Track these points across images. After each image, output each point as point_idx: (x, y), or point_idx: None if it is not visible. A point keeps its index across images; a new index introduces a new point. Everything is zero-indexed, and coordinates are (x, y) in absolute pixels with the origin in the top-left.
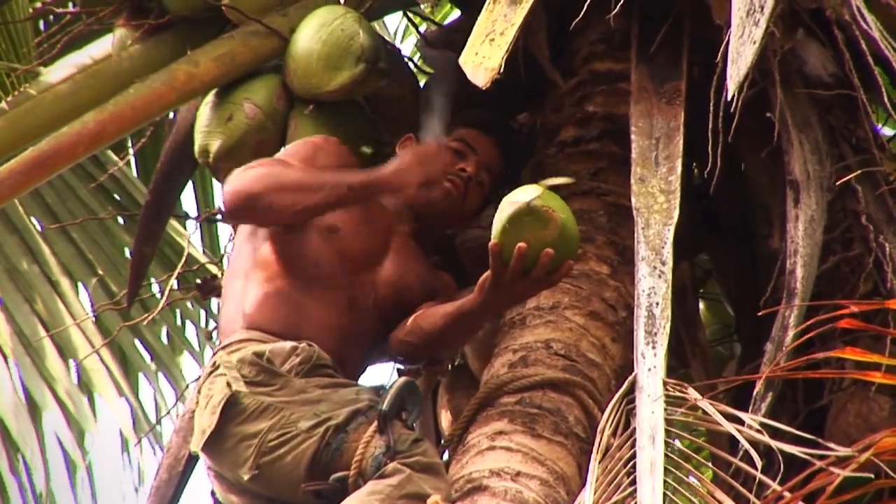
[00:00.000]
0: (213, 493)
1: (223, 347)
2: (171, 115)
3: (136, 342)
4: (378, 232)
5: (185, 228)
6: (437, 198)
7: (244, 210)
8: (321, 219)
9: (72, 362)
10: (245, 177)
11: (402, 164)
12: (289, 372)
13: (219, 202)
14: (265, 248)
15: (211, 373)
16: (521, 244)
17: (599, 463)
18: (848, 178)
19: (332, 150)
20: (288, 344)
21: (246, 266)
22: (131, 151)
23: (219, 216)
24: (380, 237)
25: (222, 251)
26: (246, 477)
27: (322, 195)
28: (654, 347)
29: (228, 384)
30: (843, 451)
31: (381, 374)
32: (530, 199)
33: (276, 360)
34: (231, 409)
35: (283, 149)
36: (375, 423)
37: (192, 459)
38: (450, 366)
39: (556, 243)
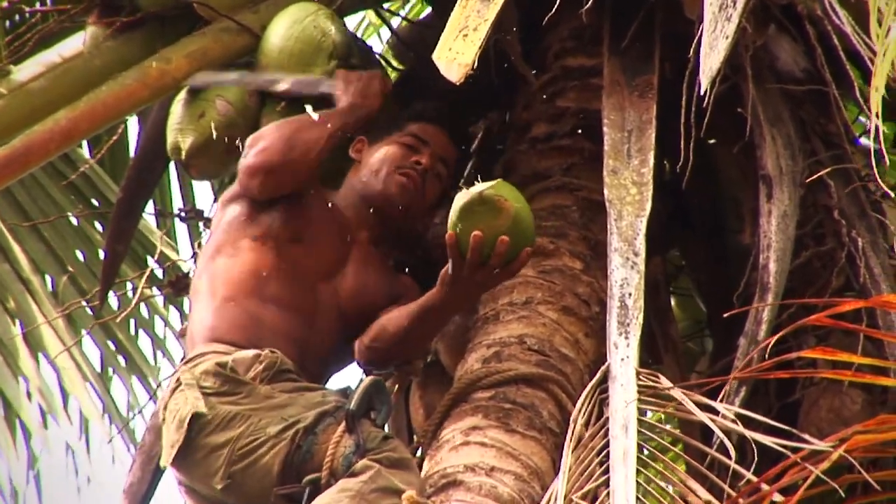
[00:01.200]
0: None
1: (186, 362)
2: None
3: (108, 341)
4: (337, 242)
5: (158, 226)
6: (394, 194)
7: (282, 160)
8: (281, 230)
9: (42, 360)
10: (258, 141)
11: (349, 89)
12: (253, 379)
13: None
14: (224, 263)
15: (175, 388)
16: (476, 233)
17: (572, 452)
18: (820, 174)
19: None
20: (250, 352)
21: (207, 283)
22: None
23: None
24: (339, 247)
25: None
26: (219, 487)
27: (333, 122)
28: (626, 337)
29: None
30: (819, 444)
31: (349, 378)
32: (482, 189)
33: (239, 368)
34: (198, 422)
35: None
36: (344, 424)
37: None
38: (422, 364)
39: (510, 231)
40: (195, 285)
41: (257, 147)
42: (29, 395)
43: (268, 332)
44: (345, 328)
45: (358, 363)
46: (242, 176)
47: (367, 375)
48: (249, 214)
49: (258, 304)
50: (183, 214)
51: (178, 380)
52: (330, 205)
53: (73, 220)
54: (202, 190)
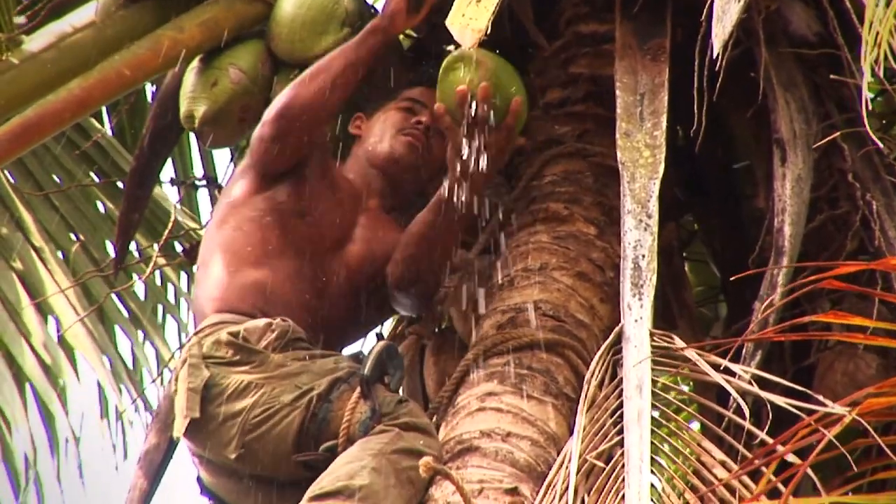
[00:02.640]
0: (199, 480)
1: (196, 333)
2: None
3: (121, 307)
4: (345, 213)
5: (175, 194)
6: (402, 154)
7: (291, 119)
8: (287, 205)
9: (52, 322)
10: (272, 105)
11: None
12: (265, 348)
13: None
14: (231, 236)
15: (186, 360)
16: (460, 87)
17: (586, 413)
18: (833, 136)
19: None
20: (262, 321)
21: (214, 253)
22: (106, 120)
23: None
24: (347, 217)
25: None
26: (232, 456)
27: (340, 62)
28: (640, 299)
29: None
30: (832, 406)
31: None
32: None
33: (251, 337)
34: (211, 391)
35: None
36: (358, 390)
37: None
38: (436, 328)
39: (492, 81)
40: (202, 257)
41: (266, 116)
42: (42, 362)
43: (279, 301)
44: (356, 295)
45: (394, 291)
46: (254, 149)
47: (378, 338)
48: (256, 189)
49: (267, 276)
50: (197, 182)
51: (189, 350)
52: (338, 177)
53: (87, 191)
54: (222, 158)
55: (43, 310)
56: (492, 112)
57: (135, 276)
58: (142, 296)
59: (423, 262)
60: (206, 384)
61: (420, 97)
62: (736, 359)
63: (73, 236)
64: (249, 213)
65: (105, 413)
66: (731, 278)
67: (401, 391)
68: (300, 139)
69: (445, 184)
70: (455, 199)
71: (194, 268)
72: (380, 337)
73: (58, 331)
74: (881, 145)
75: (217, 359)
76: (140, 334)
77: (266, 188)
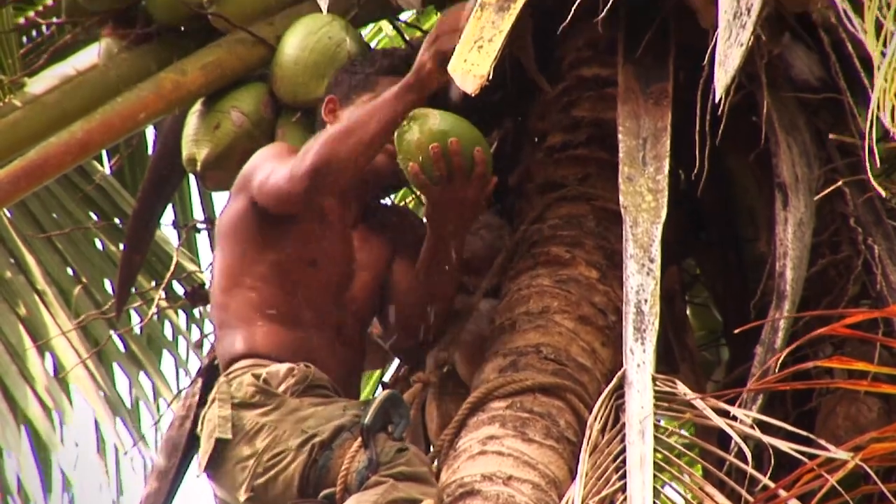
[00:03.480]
0: None
1: (226, 374)
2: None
3: (122, 349)
4: (343, 243)
5: (175, 237)
6: (385, 163)
7: (327, 174)
8: (303, 254)
9: (49, 360)
10: (299, 160)
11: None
12: (284, 392)
13: (272, 199)
14: (248, 295)
15: (214, 399)
16: (432, 145)
17: (589, 458)
18: (837, 185)
19: (295, 149)
20: (285, 365)
21: (236, 314)
22: (106, 162)
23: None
24: (346, 248)
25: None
26: (242, 499)
27: (376, 123)
28: (642, 343)
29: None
30: (835, 451)
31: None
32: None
33: (272, 381)
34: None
35: (262, 154)
36: (360, 438)
37: (182, 468)
38: (439, 371)
39: (452, 131)
40: (221, 313)
41: (296, 169)
42: (42, 403)
43: (317, 349)
44: (364, 327)
45: (395, 353)
46: (273, 198)
47: (383, 386)
48: (260, 242)
49: (298, 329)
50: (199, 226)
51: (217, 390)
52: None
53: (89, 233)
54: (222, 200)
55: (43, 350)
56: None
57: (135, 318)
58: (143, 337)
59: (419, 319)
60: (223, 426)
61: None
62: (738, 403)
63: (71, 274)
64: (263, 270)
65: (102, 451)
66: (733, 324)
67: (404, 438)
68: (328, 194)
69: (427, 238)
70: (440, 253)
71: (195, 310)
72: (384, 385)
73: (55, 371)
74: (882, 192)
75: (236, 400)
76: (140, 374)
77: (272, 237)
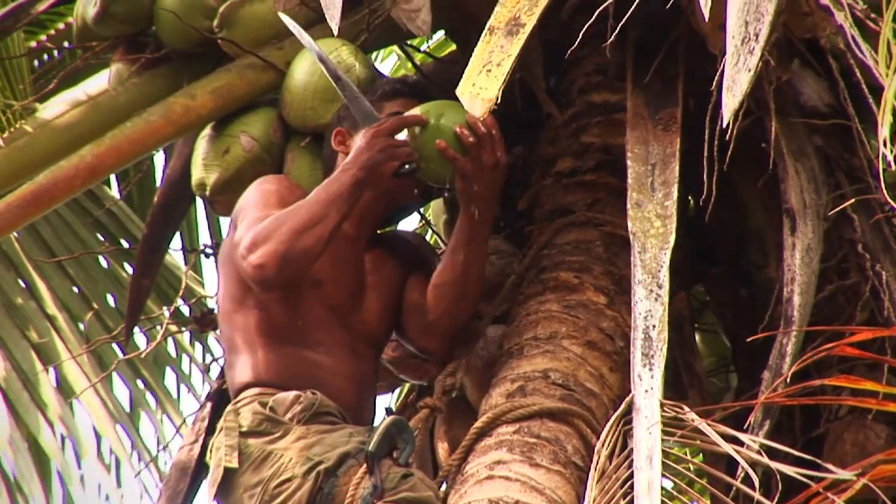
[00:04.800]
0: None
1: (234, 402)
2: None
3: (135, 378)
4: (352, 265)
5: (185, 262)
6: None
7: (283, 271)
8: (306, 276)
9: (70, 397)
10: (261, 244)
11: (361, 152)
12: (290, 420)
13: (248, 273)
14: (256, 316)
15: (221, 429)
16: (456, 125)
17: (597, 484)
18: (843, 206)
19: (289, 184)
20: (292, 393)
21: (243, 337)
22: (115, 186)
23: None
24: (355, 269)
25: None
26: None
27: (333, 213)
28: (650, 369)
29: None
30: (842, 473)
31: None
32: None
33: (279, 408)
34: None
35: (251, 194)
36: (365, 465)
37: (191, 493)
38: (447, 396)
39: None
40: (229, 338)
41: (254, 257)
42: (53, 430)
43: (326, 373)
44: (378, 350)
45: (429, 355)
46: (245, 271)
47: (387, 413)
48: None
49: (306, 351)
50: (208, 250)
51: (225, 419)
52: None
53: (99, 257)
54: None
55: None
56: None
57: (144, 342)
58: (152, 360)
59: (459, 312)
60: (231, 453)
61: (403, 110)
62: (746, 429)
63: (81, 299)
64: (266, 294)
65: (117, 478)
66: (742, 350)
67: (410, 464)
68: (294, 280)
69: (462, 217)
70: (475, 230)
71: (205, 335)
72: (389, 411)
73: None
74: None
75: (243, 428)
76: (151, 398)
77: None
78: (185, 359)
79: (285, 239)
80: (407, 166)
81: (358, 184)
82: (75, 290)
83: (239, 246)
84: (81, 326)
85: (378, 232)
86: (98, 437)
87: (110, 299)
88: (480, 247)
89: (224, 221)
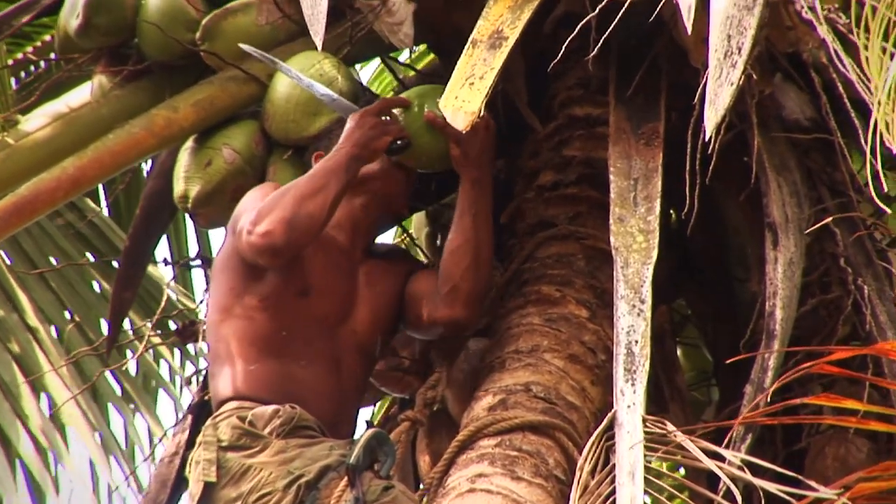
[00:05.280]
0: None
1: (213, 417)
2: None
3: (115, 385)
4: (344, 276)
5: (165, 273)
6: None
7: (291, 235)
8: (289, 287)
9: (45, 402)
10: (266, 215)
11: (352, 131)
12: (270, 434)
13: (247, 248)
14: (240, 326)
15: (201, 442)
16: (427, 111)
17: (579, 499)
18: (825, 221)
19: None
20: (270, 407)
21: (226, 347)
22: (102, 199)
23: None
24: (347, 280)
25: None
26: None
27: (333, 183)
28: (633, 384)
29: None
30: (824, 490)
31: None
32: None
33: (257, 422)
34: (217, 473)
35: (249, 196)
36: (346, 477)
37: None
38: (428, 409)
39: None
40: (214, 350)
41: (261, 226)
42: (35, 441)
43: (303, 387)
44: (368, 364)
45: (456, 327)
46: (248, 250)
47: (368, 425)
48: (250, 275)
49: (286, 364)
50: (191, 262)
51: (203, 434)
52: (323, 236)
53: (82, 270)
54: (218, 237)
55: (37, 388)
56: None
57: (129, 354)
58: (134, 373)
59: (479, 282)
60: (212, 465)
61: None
62: (727, 444)
63: (64, 312)
64: (254, 302)
65: (96, 490)
66: (727, 361)
67: (391, 476)
68: (298, 251)
69: (462, 195)
70: (478, 195)
71: (188, 347)
72: (369, 424)
73: (49, 409)
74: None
75: (222, 442)
76: (132, 411)
77: (262, 269)
78: (167, 370)
79: (290, 206)
80: (399, 142)
81: (353, 159)
82: (58, 303)
83: (242, 232)
84: (64, 340)
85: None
86: (82, 449)
87: (94, 312)
88: (485, 209)
89: (211, 233)
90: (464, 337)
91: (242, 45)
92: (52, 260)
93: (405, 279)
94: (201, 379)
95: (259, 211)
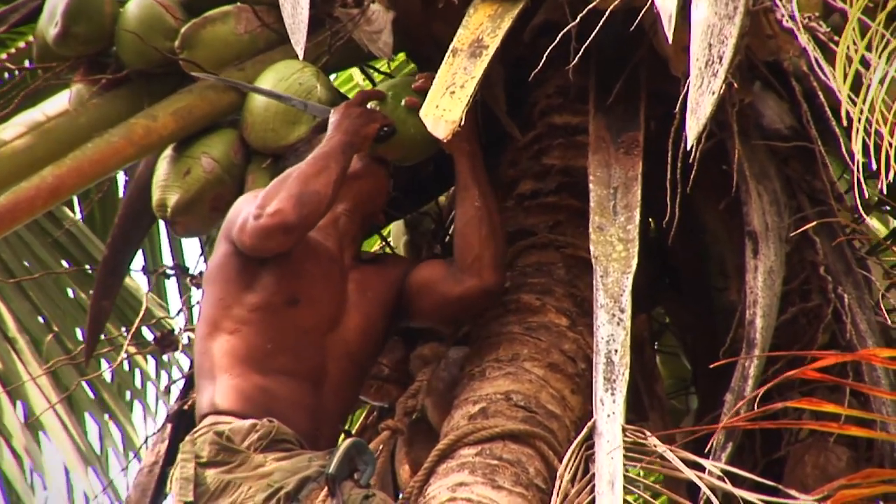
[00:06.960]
0: None
1: (192, 433)
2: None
3: (91, 395)
4: (333, 283)
5: (143, 283)
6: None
7: (301, 211)
8: (277, 296)
9: (20, 409)
10: (272, 198)
11: (339, 121)
12: (248, 448)
13: (248, 237)
14: (227, 340)
15: (180, 459)
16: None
17: None
18: (805, 228)
19: None
20: (248, 422)
21: (211, 361)
22: (77, 207)
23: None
24: (336, 287)
25: (177, 305)
26: None
27: (332, 165)
28: (612, 394)
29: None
30: (805, 499)
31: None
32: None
33: (235, 437)
34: (196, 490)
35: (242, 198)
36: (326, 488)
37: None
38: (408, 418)
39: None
40: (199, 364)
41: (270, 207)
42: (14, 453)
43: (281, 403)
44: (359, 373)
45: (483, 295)
46: (256, 237)
47: (346, 435)
48: (240, 285)
49: (268, 378)
50: (169, 272)
51: (181, 450)
52: (311, 243)
53: (60, 279)
54: (192, 246)
55: (14, 396)
56: None
57: (105, 364)
58: (112, 383)
59: (497, 252)
60: (194, 483)
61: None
62: (708, 452)
63: (42, 321)
64: (242, 314)
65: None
66: (710, 366)
67: (371, 485)
68: (307, 231)
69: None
70: (476, 169)
71: (165, 357)
72: (348, 434)
73: (24, 417)
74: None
75: (200, 458)
76: (109, 420)
77: (250, 281)
78: (145, 381)
79: (296, 185)
80: (385, 128)
81: (345, 146)
82: (36, 313)
83: (247, 220)
84: (42, 350)
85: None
86: (60, 460)
87: (72, 322)
88: (485, 179)
89: (185, 242)
90: (443, 346)
91: (198, 74)
92: (27, 266)
93: (399, 282)
94: (179, 388)
95: (265, 195)
